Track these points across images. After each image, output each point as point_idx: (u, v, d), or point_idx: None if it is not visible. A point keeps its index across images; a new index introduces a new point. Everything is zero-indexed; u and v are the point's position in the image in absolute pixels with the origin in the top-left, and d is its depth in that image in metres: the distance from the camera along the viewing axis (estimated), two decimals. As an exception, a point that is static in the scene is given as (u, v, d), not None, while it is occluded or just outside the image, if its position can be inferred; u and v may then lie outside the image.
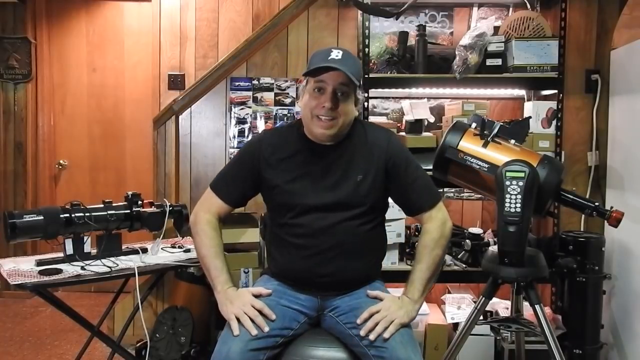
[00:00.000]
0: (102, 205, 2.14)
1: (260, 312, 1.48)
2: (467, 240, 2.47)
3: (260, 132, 1.68)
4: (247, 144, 1.76)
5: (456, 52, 2.53)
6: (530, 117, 2.52)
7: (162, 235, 2.27)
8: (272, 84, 2.94)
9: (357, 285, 1.61)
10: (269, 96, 2.95)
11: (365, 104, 2.59)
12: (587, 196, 2.67)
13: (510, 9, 2.90)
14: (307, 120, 1.56)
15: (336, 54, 1.50)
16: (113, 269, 2.02)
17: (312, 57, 1.57)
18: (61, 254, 2.07)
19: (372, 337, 1.43)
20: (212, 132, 2.99)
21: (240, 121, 2.97)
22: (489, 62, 2.54)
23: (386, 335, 1.42)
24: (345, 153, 1.58)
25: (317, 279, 1.58)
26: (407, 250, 2.54)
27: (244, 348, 1.40)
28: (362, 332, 1.45)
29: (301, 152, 1.60)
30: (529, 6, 2.76)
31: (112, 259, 2.12)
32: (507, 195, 1.65)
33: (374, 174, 1.57)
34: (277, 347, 1.49)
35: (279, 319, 1.50)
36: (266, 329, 1.45)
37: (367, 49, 2.58)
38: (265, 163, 1.60)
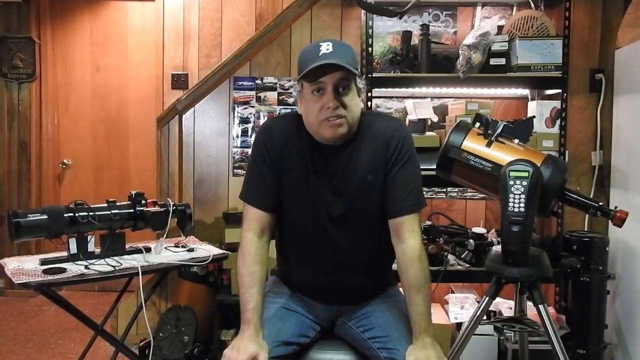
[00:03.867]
0: (105, 205, 2.14)
1: None
2: (471, 240, 2.46)
3: (262, 125, 1.53)
4: (255, 144, 1.56)
5: (460, 52, 2.53)
6: (534, 117, 2.49)
7: (165, 235, 2.28)
8: (276, 83, 2.94)
9: (374, 294, 1.58)
10: (272, 95, 2.95)
11: (369, 103, 2.58)
12: (591, 196, 2.66)
13: (514, 8, 2.90)
14: (315, 126, 1.42)
15: (326, 47, 1.35)
16: (117, 268, 2.02)
17: (300, 56, 1.41)
18: (65, 253, 2.06)
19: None
20: (215, 132, 2.99)
21: (244, 120, 2.97)
22: (492, 61, 2.54)
23: None
24: (354, 153, 1.46)
25: (332, 292, 1.54)
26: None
27: (267, 356, 1.36)
28: None
29: (308, 154, 1.48)
30: (532, 5, 2.75)
31: (116, 258, 2.11)
32: (511, 195, 1.64)
33: (383, 171, 1.46)
34: (294, 356, 1.46)
35: (297, 327, 1.47)
36: None
37: (370, 49, 2.58)
38: (277, 156, 1.49)
